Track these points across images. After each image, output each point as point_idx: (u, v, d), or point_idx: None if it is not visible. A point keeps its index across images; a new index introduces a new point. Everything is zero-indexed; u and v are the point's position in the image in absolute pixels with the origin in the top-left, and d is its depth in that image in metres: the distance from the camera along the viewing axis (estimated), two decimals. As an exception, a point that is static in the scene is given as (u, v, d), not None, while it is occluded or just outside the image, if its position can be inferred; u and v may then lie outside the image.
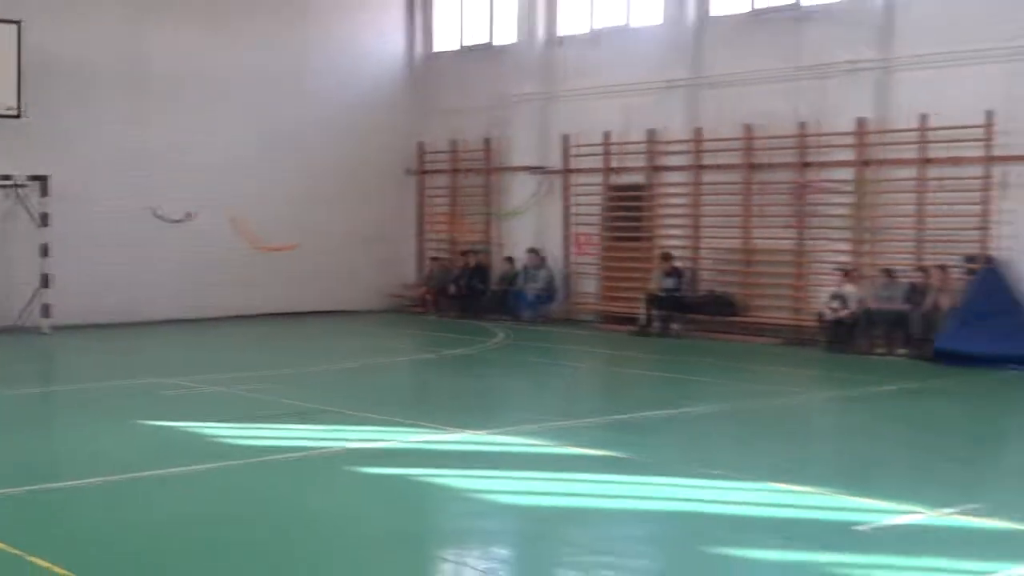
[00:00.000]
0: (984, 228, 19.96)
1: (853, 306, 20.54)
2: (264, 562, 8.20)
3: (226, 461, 11.43)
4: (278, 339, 22.51)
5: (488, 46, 28.09)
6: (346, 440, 12.49)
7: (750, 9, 23.39)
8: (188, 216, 25.01)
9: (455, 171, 28.30)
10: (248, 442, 12.47)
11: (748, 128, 22.91)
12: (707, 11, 24.00)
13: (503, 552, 8.93)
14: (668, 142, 24.40)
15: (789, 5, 22.70)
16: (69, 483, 10.50)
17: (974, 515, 9.43)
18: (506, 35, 27.49)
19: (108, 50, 24.40)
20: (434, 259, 28.17)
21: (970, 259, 19.89)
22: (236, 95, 26.01)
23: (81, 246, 23.48)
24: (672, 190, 24.58)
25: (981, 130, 19.89)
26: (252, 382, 16.58)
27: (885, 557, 8.35)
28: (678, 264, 23.43)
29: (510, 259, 26.46)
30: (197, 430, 13.07)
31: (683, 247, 23.95)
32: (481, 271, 26.80)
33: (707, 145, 23.75)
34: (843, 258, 21.59)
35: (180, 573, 7.90)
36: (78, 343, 21.95)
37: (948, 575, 8.00)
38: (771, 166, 22.82)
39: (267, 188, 26.29)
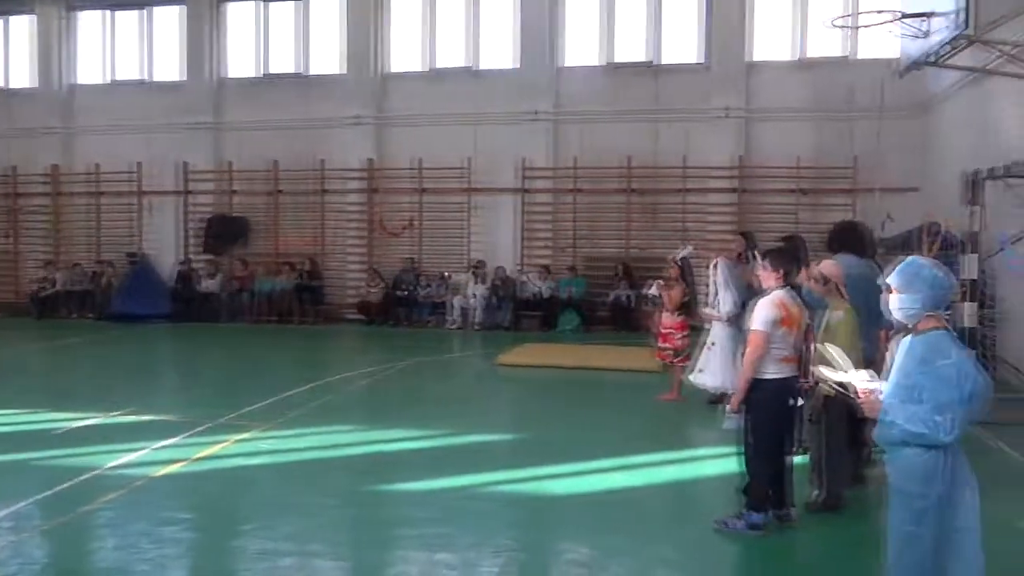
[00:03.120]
0: (135, 236, 19.78)
1: (59, 285, 19.29)
2: None
3: None
4: None
5: None
6: None
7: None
8: None
9: None
10: None
11: (98, 166, 19.89)
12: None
13: None
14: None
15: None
16: None
17: (133, 415, 9.34)
18: None
19: None
20: None
21: (131, 255, 19.48)
22: None
23: None
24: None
25: (131, 174, 19.67)
26: None
27: (72, 448, 8.00)
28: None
29: None
30: None
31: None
32: None
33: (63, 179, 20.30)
34: (46, 256, 20.07)
35: None
36: None
37: (118, 453, 7.67)
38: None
39: None
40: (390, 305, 17.93)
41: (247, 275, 18.65)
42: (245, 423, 8.94)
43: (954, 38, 8.11)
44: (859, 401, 4.16)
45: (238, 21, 19.61)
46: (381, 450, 8.27)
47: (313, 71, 19.25)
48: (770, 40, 17.26)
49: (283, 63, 19.41)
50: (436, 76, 18.58)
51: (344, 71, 18.86)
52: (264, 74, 19.46)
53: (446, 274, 17.93)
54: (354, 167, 18.71)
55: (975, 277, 9.26)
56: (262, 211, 19.32)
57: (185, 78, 19.57)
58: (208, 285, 18.83)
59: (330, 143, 18.79)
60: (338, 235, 19.00)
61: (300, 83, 19.14)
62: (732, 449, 6.20)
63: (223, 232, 19.22)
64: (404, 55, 18.85)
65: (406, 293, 17.91)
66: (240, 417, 9.20)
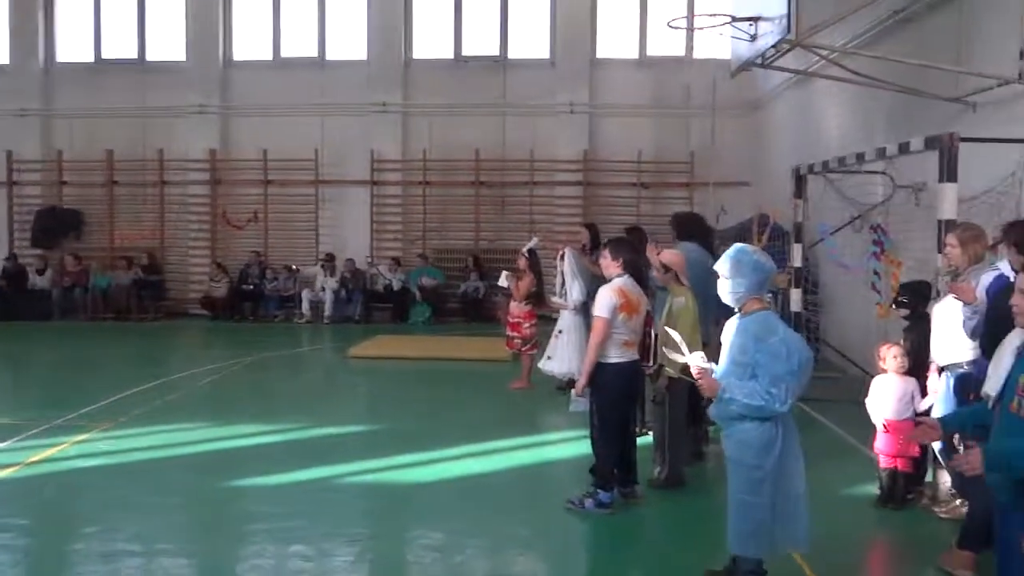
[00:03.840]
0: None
1: None
2: None
3: None
4: None
5: None
6: None
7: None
8: None
9: None
10: None
11: None
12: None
13: None
14: None
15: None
16: None
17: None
18: None
19: None
20: None
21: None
22: None
23: None
24: None
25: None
26: None
27: None
28: None
29: None
30: None
31: None
32: None
33: None
34: None
35: None
36: None
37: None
38: None
39: None
40: (236, 299, 17.43)
41: (80, 270, 17.68)
42: (83, 424, 8.51)
43: (779, 42, 8.58)
44: (696, 381, 4.42)
45: (71, 2, 18.53)
46: (230, 446, 8.05)
47: (151, 57, 18.44)
48: (614, 38, 17.76)
49: (119, 48, 18.48)
50: (283, 65, 18.14)
51: (185, 58, 18.15)
52: (99, 59, 18.50)
53: (294, 267, 17.58)
54: (196, 158, 18.05)
55: (800, 265, 9.86)
56: (96, 203, 18.33)
57: (11, 62, 18.35)
58: (38, 281, 17.73)
59: (170, 133, 18.03)
60: (179, 228, 18.29)
61: (137, 69, 18.28)
62: (581, 432, 6.41)
63: (53, 225, 18.14)
64: (249, 43, 18.31)
65: (252, 287, 17.45)
66: (78, 418, 8.74)
